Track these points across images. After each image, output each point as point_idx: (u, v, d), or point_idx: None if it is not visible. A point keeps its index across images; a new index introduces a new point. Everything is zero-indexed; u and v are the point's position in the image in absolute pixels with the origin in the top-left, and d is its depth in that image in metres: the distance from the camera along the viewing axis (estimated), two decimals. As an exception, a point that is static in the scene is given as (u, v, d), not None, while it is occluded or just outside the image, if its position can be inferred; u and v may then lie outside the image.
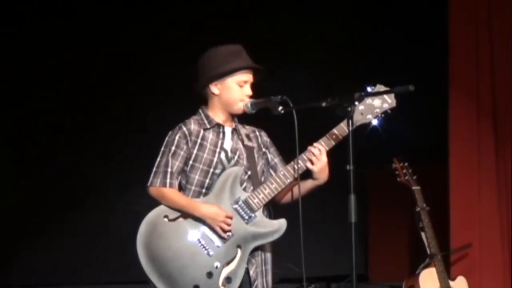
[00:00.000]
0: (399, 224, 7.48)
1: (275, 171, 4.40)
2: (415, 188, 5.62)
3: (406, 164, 5.65)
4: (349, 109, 3.87)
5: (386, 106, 4.33)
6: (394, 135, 5.25)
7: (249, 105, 4.29)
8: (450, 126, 6.18)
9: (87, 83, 7.16)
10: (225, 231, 4.20)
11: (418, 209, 5.59)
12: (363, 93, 4.08)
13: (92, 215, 7.11)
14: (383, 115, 4.34)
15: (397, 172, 5.63)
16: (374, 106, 4.33)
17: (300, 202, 4.12)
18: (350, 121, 3.89)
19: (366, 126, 4.34)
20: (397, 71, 6.78)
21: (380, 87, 4.20)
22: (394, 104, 4.32)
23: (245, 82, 4.32)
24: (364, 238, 7.76)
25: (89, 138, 7.15)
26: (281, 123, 4.16)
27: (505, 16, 6.09)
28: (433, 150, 6.80)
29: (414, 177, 5.64)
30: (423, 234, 5.58)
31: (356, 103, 4.11)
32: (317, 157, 4.26)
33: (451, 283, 5.59)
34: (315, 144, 4.28)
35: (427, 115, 7.05)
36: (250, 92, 4.33)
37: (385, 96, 4.29)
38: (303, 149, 4.25)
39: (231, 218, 4.21)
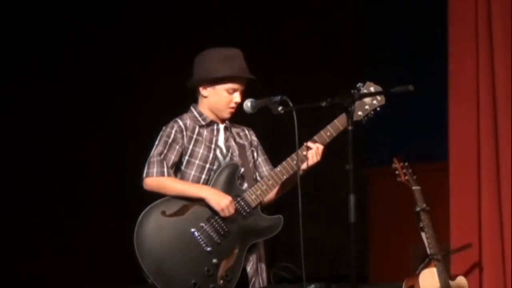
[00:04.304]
0: (399, 224, 7.47)
1: (258, 170, 4.41)
2: (415, 188, 5.60)
3: (406, 164, 5.64)
4: (350, 108, 3.88)
5: (375, 103, 4.40)
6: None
7: (249, 105, 4.29)
8: (450, 126, 6.17)
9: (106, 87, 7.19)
10: (227, 216, 4.17)
11: (418, 209, 5.57)
12: (363, 92, 4.09)
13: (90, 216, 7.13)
14: (373, 113, 4.39)
15: (397, 172, 5.61)
16: (364, 103, 4.37)
17: (299, 201, 4.12)
18: (350, 120, 3.90)
19: (357, 123, 4.37)
20: (397, 70, 6.79)
21: (370, 85, 4.26)
22: (383, 102, 4.41)
23: (234, 90, 4.32)
24: (364, 238, 7.76)
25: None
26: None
27: (505, 16, 6.07)
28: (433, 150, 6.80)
29: (414, 177, 5.62)
30: (423, 234, 5.57)
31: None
32: (314, 154, 4.29)
33: (451, 283, 5.58)
34: (309, 143, 4.31)
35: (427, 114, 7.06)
36: (239, 100, 4.33)
37: None
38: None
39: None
